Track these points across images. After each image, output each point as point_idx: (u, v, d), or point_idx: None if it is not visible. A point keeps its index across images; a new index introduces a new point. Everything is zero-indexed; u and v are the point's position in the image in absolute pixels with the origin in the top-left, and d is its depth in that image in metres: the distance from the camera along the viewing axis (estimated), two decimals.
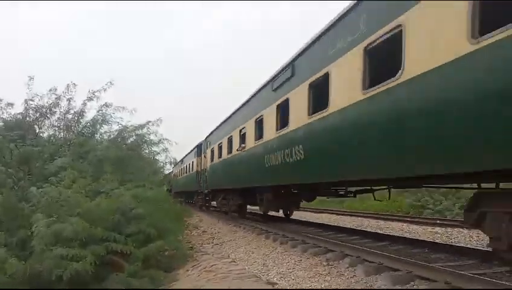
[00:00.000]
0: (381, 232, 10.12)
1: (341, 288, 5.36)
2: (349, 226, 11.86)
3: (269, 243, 9.20)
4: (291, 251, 7.98)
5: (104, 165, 10.47)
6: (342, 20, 6.73)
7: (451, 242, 8.54)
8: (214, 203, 20.47)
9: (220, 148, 15.78)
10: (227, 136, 14.33)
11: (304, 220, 13.79)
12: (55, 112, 13.15)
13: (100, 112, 13.15)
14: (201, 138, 20.72)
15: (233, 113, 13.91)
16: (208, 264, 7.50)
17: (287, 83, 8.92)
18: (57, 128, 13.48)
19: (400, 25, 5.19)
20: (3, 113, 12.89)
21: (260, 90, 10.88)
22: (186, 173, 26.18)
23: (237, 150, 12.79)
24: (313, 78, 7.63)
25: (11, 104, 12.83)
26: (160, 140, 14.05)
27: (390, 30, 5.43)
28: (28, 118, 13.11)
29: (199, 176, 20.82)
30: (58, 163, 9.56)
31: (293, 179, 8.90)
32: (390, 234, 9.74)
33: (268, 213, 14.13)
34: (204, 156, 19.42)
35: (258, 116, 10.83)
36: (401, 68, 5.16)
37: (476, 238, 9.36)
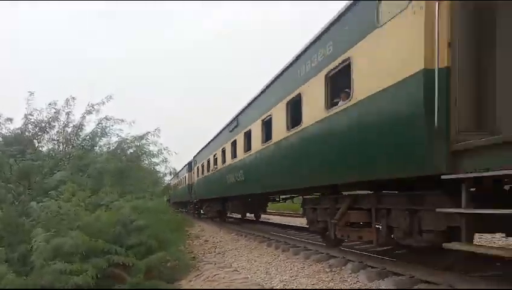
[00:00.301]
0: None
1: (342, 288, 5.36)
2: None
3: (271, 251, 9.17)
4: (293, 258, 7.96)
5: (104, 177, 10.45)
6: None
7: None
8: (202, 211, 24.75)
9: (202, 167, 21.34)
10: (206, 159, 19.96)
11: (271, 221, 18.88)
12: (54, 125, 13.16)
13: (100, 125, 13.16)
14: (199, 141, 25.37)
15: (210, 142, 19.42)
16: (210, 273, 7.47)
17: (235, 129, 13.83)
18: (56, 142, 13.48)
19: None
20: (1, 128, 12.90)
21: (223, 129, 16.10)
22: (181, 185, 30.82)
23: (211, 170, 18.48)
24: (246, 129, 12.19)
25: (10, 119, 12.84)
26: (159, 150, 14.01)
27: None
28: (27, 133, 13.11)
29: (190, 188, 25.65)
30: (58, 177, 9.54)
31: (240, 191, 13.13)
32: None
33: (245, 217, 18.93)
34: (193, 172, 25.02)
35: (223, 147, 15.95)
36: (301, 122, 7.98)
37: (478, 240, 9.33)
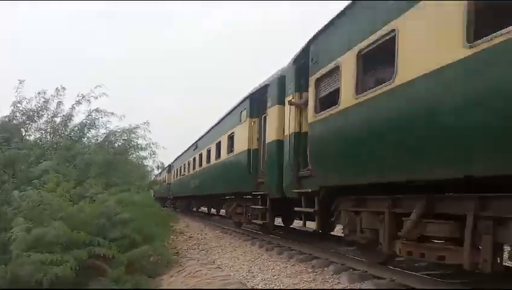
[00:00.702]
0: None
1: (323, 288, 5.37)
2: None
3: (255, 250, 9.18)
4: (276, 257, 7.97)
5: (90, 169, 10.35)
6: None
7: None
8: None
9: (177, 170, 27.56)
10: (179, 166, 26.45)
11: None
12: (43, 115, 13.00)
13: (89, 116, 13.03)
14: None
15: (182, 153, 25.71)
16: (192, 269, 7.44)
17: (195, 150, 19.90)
18: (43, 132, 13.31)
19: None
20: None
21: (190, 147, 22.02)
22: (164, 182, 35.20)
23: (182, 175, 24.54)
24: (203, 151, 17.58)
25: None
26: (148, 144, 13.91)
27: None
28: (14, 121, 12.93)
29: (169, 186, 31.77)
30: (43, 166, 9.44)
31: (197, 193, 19.22)
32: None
33: (210, 212, 24.39)
34: (171, 174, 31.42)
35: (190, 159, 21.54)
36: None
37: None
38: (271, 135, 9.28)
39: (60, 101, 12.91)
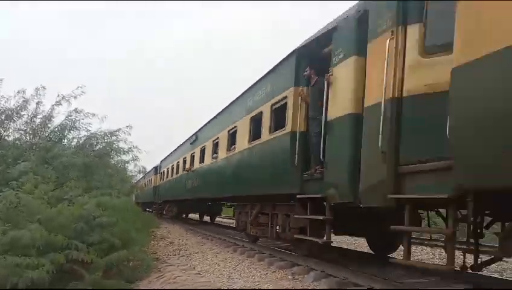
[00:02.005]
0: (347, 247, 10.23)
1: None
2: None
3: (236, 256, 9.13)
4: (257, 264, 7.95)
5: (70, 171, 10.17)
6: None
7: (414, 259, 8.69)
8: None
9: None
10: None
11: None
12: (23, 115, 12.73)
13: (69, 117, 12.81)
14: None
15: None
16: (172, 275, 7.36)
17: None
18: (23, 132, 13.04)
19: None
20: None
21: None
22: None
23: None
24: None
25: None
26: (130, 148, 13.76)
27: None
28: None
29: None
30: (21, 167, 9.23)
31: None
32: (356, 249, 9.85)
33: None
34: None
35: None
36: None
37: (438, 256, 9.57)
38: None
39: (39, 101, 12.67)
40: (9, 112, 12.47)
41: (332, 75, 6.36)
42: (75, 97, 12.36)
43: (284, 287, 5.94)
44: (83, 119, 12.78)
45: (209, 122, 15.09)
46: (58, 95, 12.56)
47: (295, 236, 7.38)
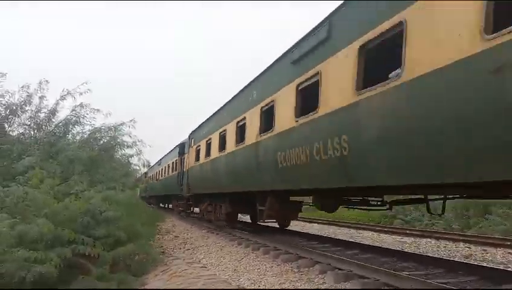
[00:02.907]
0: (352, 240, 10.25)
1: (308, 288, 5.41)
2: (320, 234, 11.96)
3: (241, 250, 9.18)
4: (262, 257, 7.99)
5: (75, 165, 10.21)
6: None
7: (420, 252, 8.71)
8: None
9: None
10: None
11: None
12: (27, 110, 12.76)
13: (74, 112, 12.83)
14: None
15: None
16: (178, 269, 7.41)
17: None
18: (27, 127, 13.07)
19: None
20: None
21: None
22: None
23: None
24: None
25: None
26: (134, 142, 13.78)
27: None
28: None
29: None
30: (26, 162, 9.26)
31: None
32: (361, 242, 9.87)
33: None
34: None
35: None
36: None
37: (443, 249, 9.59)
38: None
39: (42, 95, 12.68)
40: (14, 107, 12.50)
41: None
42: (81, 94, 12.38)
43: (290, 280, 5.97)
44: (87, 114, 12.80)
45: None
46: (63, 90, 12.58)
47: None
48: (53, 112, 12.82)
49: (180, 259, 8.49)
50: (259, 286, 5.83)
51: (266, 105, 8.97)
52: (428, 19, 4.33)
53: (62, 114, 13.00)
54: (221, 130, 12.56)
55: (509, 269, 6.68)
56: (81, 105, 12.72)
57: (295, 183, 7.68)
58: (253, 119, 9.71)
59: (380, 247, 8.50)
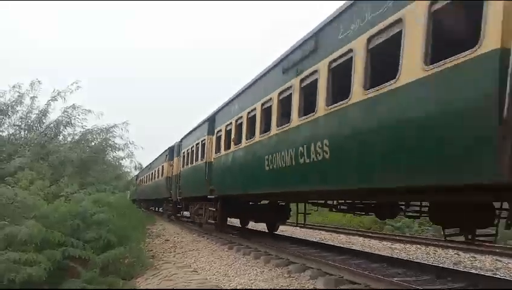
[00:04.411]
0: (342, 246, 10.29)
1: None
2: (312, 240, 11.97)
3: (232, 254, 9.16)
4: (253, 262, 7.97)
5: (66, 167, 10.15)
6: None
7: (409, 258, 8.77)
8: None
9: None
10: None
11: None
12: (18, 110, 12.66)
13: (65, 113, 12.76)
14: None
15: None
16: (168, 273, 7.37)
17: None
18: (17, 128, 12.97)
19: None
20: None
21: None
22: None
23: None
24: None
25: None
26: (126, 144, 13.75)
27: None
28: None
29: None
30: (17, 163, 9.19)
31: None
32: (351, 248, 9.91)
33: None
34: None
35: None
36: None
37: (432, 255, 9.66)
38: None
39: (34, 96, 12.62)
40: (4, 107, 12.41)
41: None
42: (71, 92, 12.33)
43: (281, 284, 5.97)
44: (79, 115, 12.75)
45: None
46: (54, 90, 12.52)
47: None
48: (44, 112, 12.75)
49: (170, 263, 8.45)
50: None
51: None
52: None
53: (53, 115, 12.95)
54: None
55: (497, 276, 6.76)
56: (73, 106, 12.68)
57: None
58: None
59: (370, 253, 8.54)
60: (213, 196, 12.03)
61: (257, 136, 8.97)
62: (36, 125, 12.82)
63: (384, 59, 5.02)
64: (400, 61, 4.71)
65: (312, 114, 6.67)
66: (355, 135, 5.54)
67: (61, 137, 13.16)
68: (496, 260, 8.92)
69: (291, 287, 5.81)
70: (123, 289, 6.50)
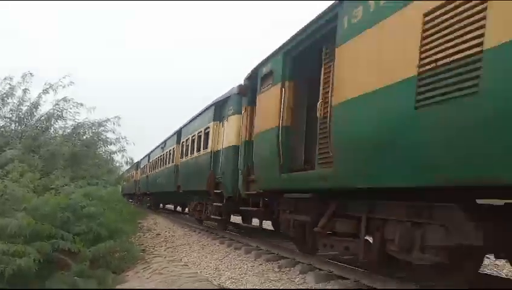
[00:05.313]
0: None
1: (289, 288, 5.45)
2: None
3: (223, 248, 9.18)
4: (244, 256, 8.00)
5: (57, 160, 10.09)
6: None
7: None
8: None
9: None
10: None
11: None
12: (9, 102, 12.54)
13: (57, 106, 12.66)
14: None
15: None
16: (159, 266, 7.38)
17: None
18: (8, 120, 12.86)
19: None
20: None
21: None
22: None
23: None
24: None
25: None
26: (117, 138, 13.67)
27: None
28: None
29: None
30: (8, 155, 9.11)
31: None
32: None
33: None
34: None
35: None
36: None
37: None
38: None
39: (26, 89, 12.49)
40: None
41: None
42: (64, 86, 12.23)
43: (270, 279, 6.00)
44: (70, 108, 12.65)
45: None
46: (45, 83, 12.41)
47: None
48: (35, 105, 12.64)
49: (161, 257, 8.45)
50: (240, 285, 5.85)
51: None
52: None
53: (45, 108, 12.84)
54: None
55: (484, 272, 6.83)
56: (64, 99, 12.58)
57: None
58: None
59: None
60: None
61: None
62: (27, 117, 12.72)
63: None
64: None
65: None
66: None
67: (52, 130, 13.07)
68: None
69: (281, 281, 5.85)
70: (116, 289, 6.49)
